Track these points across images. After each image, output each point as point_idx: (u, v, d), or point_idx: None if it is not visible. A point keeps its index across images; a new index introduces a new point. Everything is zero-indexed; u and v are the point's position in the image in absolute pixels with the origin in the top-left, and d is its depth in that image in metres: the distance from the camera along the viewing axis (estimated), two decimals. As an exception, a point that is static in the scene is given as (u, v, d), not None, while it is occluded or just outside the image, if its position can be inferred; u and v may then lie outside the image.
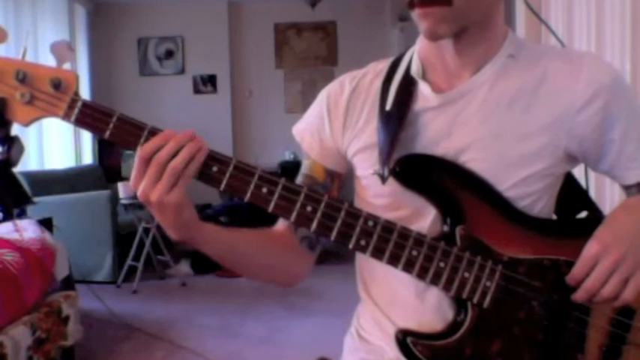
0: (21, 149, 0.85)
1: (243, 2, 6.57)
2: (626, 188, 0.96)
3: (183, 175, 0.79)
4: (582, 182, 1.03)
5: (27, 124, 0.82)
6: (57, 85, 0.81)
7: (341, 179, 1.02)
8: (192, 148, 0.79)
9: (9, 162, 0.83)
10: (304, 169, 1.01)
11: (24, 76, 0.80)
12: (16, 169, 3.80)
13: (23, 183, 3.73)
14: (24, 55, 0.82)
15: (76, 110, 0.81)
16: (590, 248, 0.84)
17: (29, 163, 4.65)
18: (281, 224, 1.00)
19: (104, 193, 4.50)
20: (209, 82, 6.55)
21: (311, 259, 1.02)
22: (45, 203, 3.80)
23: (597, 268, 0.83)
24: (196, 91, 6.55)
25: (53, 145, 5.14)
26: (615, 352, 0.90)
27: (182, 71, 6.53)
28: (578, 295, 0.85)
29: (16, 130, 0.86)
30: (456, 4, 0.83)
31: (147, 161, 0.79)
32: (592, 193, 1.08)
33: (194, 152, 0.79)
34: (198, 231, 0.85)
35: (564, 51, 0.97)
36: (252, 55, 6.64)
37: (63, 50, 0.82)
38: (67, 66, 0.83)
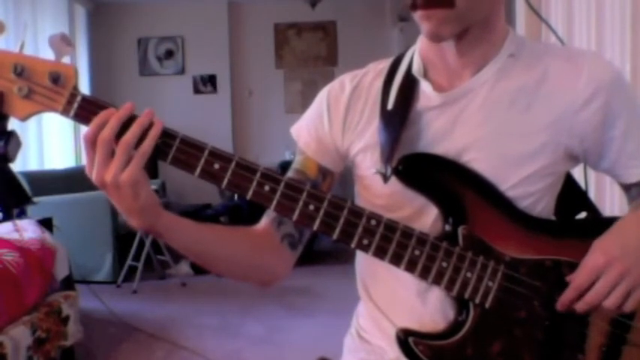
0: (18, 144, 0.85)
1: (243, 2, 6.57)
2: (627, 188, 0.96)
3: (138, 153, 0.77)
4: (582, 183, 1.03)
5: (24, 118, 0.81)
6: (56, 79, 0.79)
7: (333, 178, 1.01)
8: (143, 122, 0.78)
9: (6, 157, 0.83)
10: (296, 164, 1.00)
11: (22, 70, 0.79)
12: (16, 169, 3.80)
13: (23, 183, 3.72)
14: (22, 48, 0.81)
15: (75, 105, 0.80)
16: (596, 259, 0.84)
17: (29, 163, 4.65)
18: (263, 222, 0.98)
19: (104, 193, 4.47)
20: (209, 82, 6.55)
21: (291, 259, 0.99)
22: (45, 203, 3.80)
23: (601, 281, 0.83)
24: (196, 91, 6.55)
25: (53, 145, 5.15)
26: (615, 352, 0.90)
27: (182, 71, 6.54)
28: (578, 306, 0.85)
29: (16, 128, 0.85)
30: (458, 6, 0.82)
31: (93, 143, 0.77)
32: (592, 194, 1.08)
33: (144, 125, 0.78)
34: (159, 217, 0.83)
35: (565, 50, 0.97)
36: (252, 55, 6.64)
37: (61, 43, 0.81)
38: (66, 60, 0.81)
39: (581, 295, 0.85)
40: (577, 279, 0.85)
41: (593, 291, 0.84)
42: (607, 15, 2.46)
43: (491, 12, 0.89)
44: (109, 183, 0.77)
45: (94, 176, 0.78)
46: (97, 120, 0.78)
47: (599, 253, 0.84)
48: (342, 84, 1.00)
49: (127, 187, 0.77)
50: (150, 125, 0.79)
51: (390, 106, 0.93)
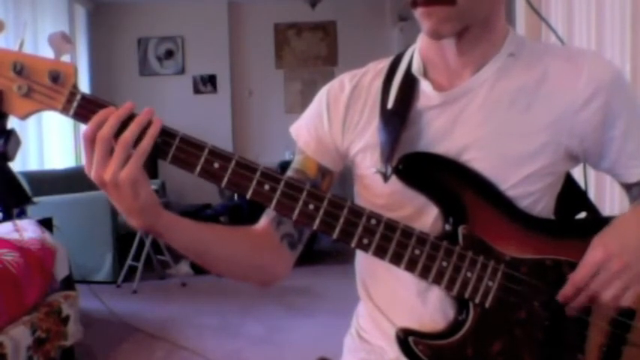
0: (17, 143, 0.84)
1: (243, 2, 6.57)
2: (628, 187, 0.96)
3: (137, 151, 0.77)
4: (582, 183, 1.03)
5: (24, 117, 0.81)
6: (55, 77, 0.79)
7: (332, 178, 1.01)
8: (142, 121, 0.78)
9: (5, 156, 0.82)
10: (295, 163, 1.00)
11: (21, 68, 0.79)
12: (16, 169, 3.80)
13: (23, 183, 3.72)
14: (21, 47, 0.80)
15: (75, 104, 0.80)
16: (595, 255, 0.84)
17: (29, 163, 4.65)
18: (262, 222, 0.98)
19: (104, 193, 4.45)
20: (209, 82, 6.55)
21: (291, 259, 0.99)
22: (45, 203, 3.79)
23: (600, 276, 0.83)
24: (196, 91, 6.56)
25: (53, 145, 5.15)
26: (615, 352, 0.90)
27: (182, 71, 6.54)
28: (577, 300, 0.85)
29: (15, 127, 0.84)
30: (459, 4, 0.82)
31: (92, 141, 0.77)
32: (592, 194, 1.08)
33: (143, 124, 0.78)
34: (158, 217, 0.82)
35: (565, 49, 0.97)
36: (252, 55, 6.65)
37: (60, 42, 0.80)
38: (65, 58, 0.81)
39: (579, 291, 0.85)
40: (576, 275, 0.85)
41: (591, 284, 0.84)
42: (607, 15, 2.46)
43: (491, 11, 0.89)
44: (108, 181, 0.77)
45: (92, 174, 0.78)
46: (96, 118, 0.78)
47: (598, 249, 0.84)
48: (342, 83, 1.00)
49: (126, 186, 0.77)
50: (149, 123, 0.79)
51: (389, 105, 0.93)
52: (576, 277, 0.85)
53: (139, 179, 0.78)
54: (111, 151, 0.77)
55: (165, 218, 0.84)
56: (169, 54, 6.53)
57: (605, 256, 0.83)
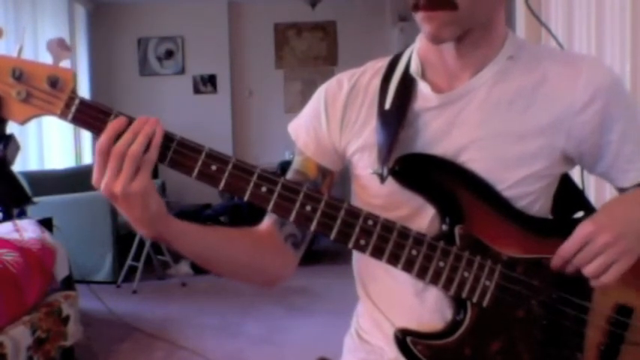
0: (17, 147, 0.85)
1: (243, 2, 6.57)
2: (621, 191, 0.96)
3: (144, 161, 0.78)
4: (579, 183, 1.03)
5: (23, 122, 0.81)
6: (54, 82, 0.80)
7: (332, 177, 1.01)
8: (148, 132, 0.78)
9: (5, 160, 0.83)
10: (295, 164, 1.00)
11: (20, 74, 0.79)
12: (16, 169, 3.80)
13: (23, 183, 3.72)
14: (20, 52, 0.81)
15: (73, 108, 0.80)
16: (584, 228, 0.84)
17: (29, 163, 4.65)
18: (266, 223, 0.99)
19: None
20: (209, 82, 6.56)
21: (295, 259, 0.99)
22: (45, 203, 3.79)
23: (585, 249, 0.83)
24: (196, 91, 6.56)
25: (53, 145, 5.15)
26: (614, 350, 0.90)
27: (182, 71, 6.54)
28: (562, 265, 0.85)
29: (16, 129, 0.85)
30: (460, 8, 0.82)
31: (107, 154, 0.78)
32: (592, 194, 1.08)
33: (150, 135, 0.79)
34: (167, 226, 0.83)
35: (564, 54, 0.97)
36: (252, 55, 6.65)
37: (58, 48, 0.81)
38: (64, 63, 0.82)
39: (566, 264, 0.85)
40: (564, 247, 0.85)
41: (577, 256, 0.84)
42: (607, 16, 2.45)
43: (491, 14, 0.89)
44: (119, 194, 0.77)
45: (102, 187, 0.78)
46: (110, 131, 0.78)
47: (587, 223, 0.85)
48: (340, 82, 1.00)
49: (137, 197, 0.78)
50: (153, 132, 0.79)
51: (387, 105, 0.93)
52: (563, 249, 0.85)
53: (149, 190, 0.79)
54: (121, 164, 0.78)
55: (173, 226, 0.84)
56: (169, 54, 6.53)
57: (594, 228, 0.83)
